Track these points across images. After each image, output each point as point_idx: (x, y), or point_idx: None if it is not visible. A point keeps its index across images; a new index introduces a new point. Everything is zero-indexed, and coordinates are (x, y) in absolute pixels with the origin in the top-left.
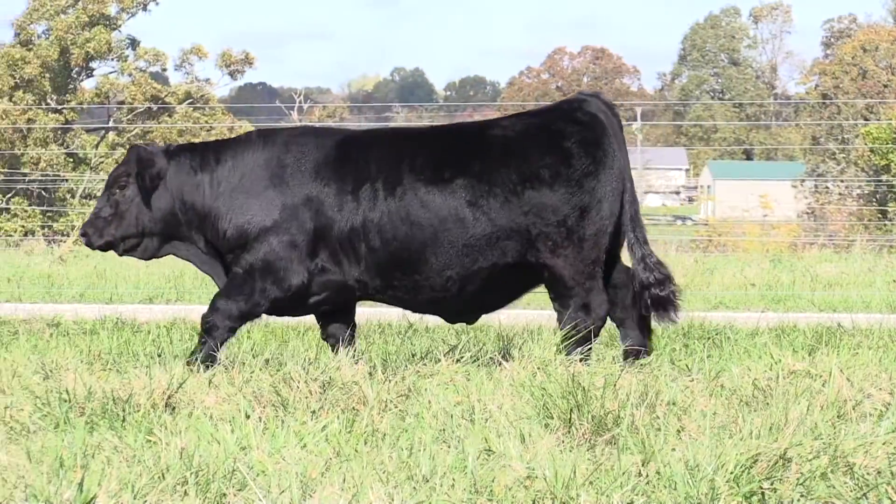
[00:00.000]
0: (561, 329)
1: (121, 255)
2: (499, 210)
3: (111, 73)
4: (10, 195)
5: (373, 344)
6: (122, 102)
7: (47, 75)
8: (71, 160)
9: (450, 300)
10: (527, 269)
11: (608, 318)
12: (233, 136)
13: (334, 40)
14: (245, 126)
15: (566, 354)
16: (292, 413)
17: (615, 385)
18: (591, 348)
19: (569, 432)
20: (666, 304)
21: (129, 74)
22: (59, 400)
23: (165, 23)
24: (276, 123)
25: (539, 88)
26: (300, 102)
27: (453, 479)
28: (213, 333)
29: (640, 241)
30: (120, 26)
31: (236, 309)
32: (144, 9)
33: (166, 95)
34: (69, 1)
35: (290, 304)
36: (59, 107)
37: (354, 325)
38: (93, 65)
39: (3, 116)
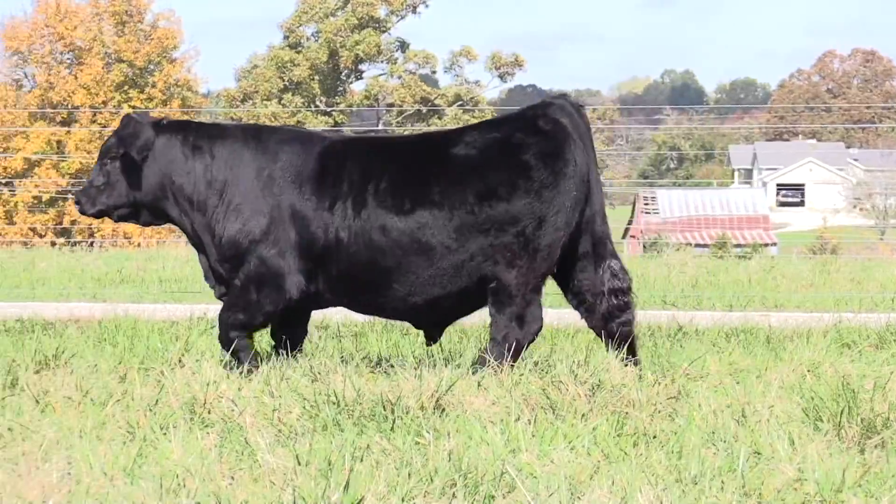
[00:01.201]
0: (491, 337)
1: (116, 221)
2: (461, 231)
3: (380, 75)
4: None
5: (642, 347)
6: (392, 105)
7: (316, 77)
8: None
9: (414, 317)
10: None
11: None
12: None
13: (606, 42)
14: None
15: (488, 361)
16: (561, 416)
17: (885, 388)
18: (517, 359)
19: (838, 435)
20: (619, 312)
21: (399, 77)
22: (328, 402)
23: (435, 25)
24: None
25: (809, 91)
26: None
27: (722, 482)
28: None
29: (605, 243)
30: (389, 29)
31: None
32: (414, 11)
33: (436, 98)
34: (338, 3)
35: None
36: (329, 109)
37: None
38: (362, 67)
39: (273, 118)
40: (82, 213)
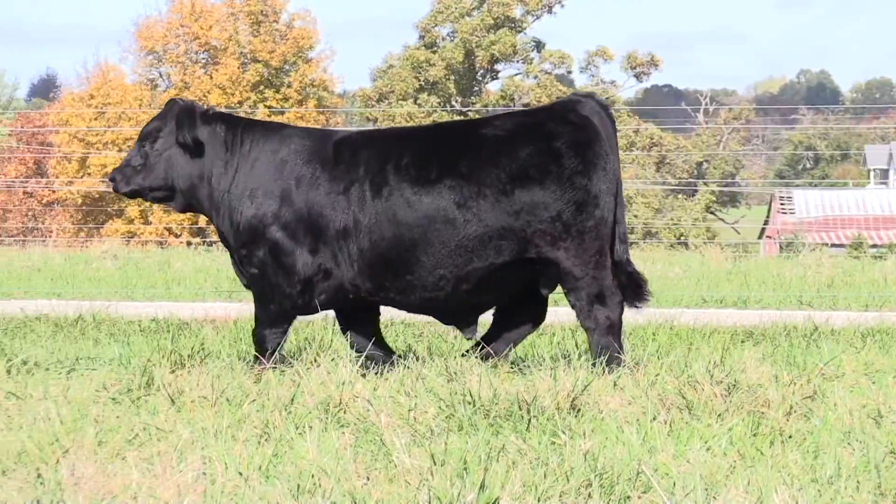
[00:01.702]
0: (584, 327)
1: (150, 202)
2: (489, 210)
3: (516, 75)
4: None
5: (778, 347)
6: (527, 105)
7: (452, 77)
8: None
9: (442, 300)
10: (522, 268)
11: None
12: (632, 137)
13: (743, 42)
14: (650, 128)
15: (601, 347)
16: (697, 416)
17: None
18: (619, 335)
19: None
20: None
21: (535, 77)
22: (464, 402)
23: (570, 25)
24: (681, 125)
25: None
26: (706, 104)
27: (858, 482)
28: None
29: (623, 242)
30: (525, 28)
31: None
32: (549, 11)
33: None
34: (474, 3)
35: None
36: (464, 108)
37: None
38: (497, 67)
39: (409, 118)
40: (116, 190)
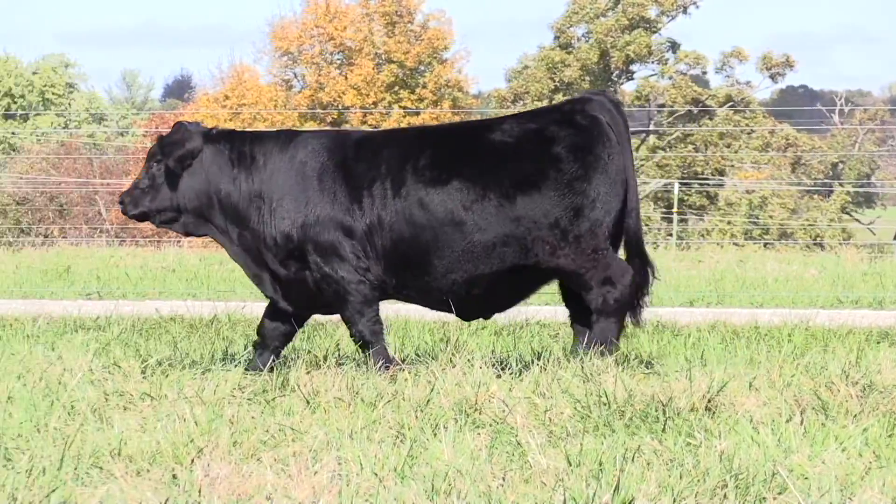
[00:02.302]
0: (592, 306)
1: (158, 226)
2: (493, 215)
3: (651, 76)
4: None
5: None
6: (663, 105)
7: (587, 78)
8: None
9: (456, 301)
10: (533, 271)
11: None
12: (767, 138)
13: (878, 43)
14: (785, 129)
15: (599, 330)
16: (832, 417)
17: None
18: (639, 310)
19: None
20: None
21: (670, 77)
22: (599, 403)
23: (705, 25)
24: (816, 126)
25: None
26: (840, 105)
27: None
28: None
29: (638, 240)
30: (660, 29)
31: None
32: (684, 11)
33: (706, 98)
34: (609, 4)
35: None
36: None
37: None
38: (632, 68)
39: None
40: (124, 213)
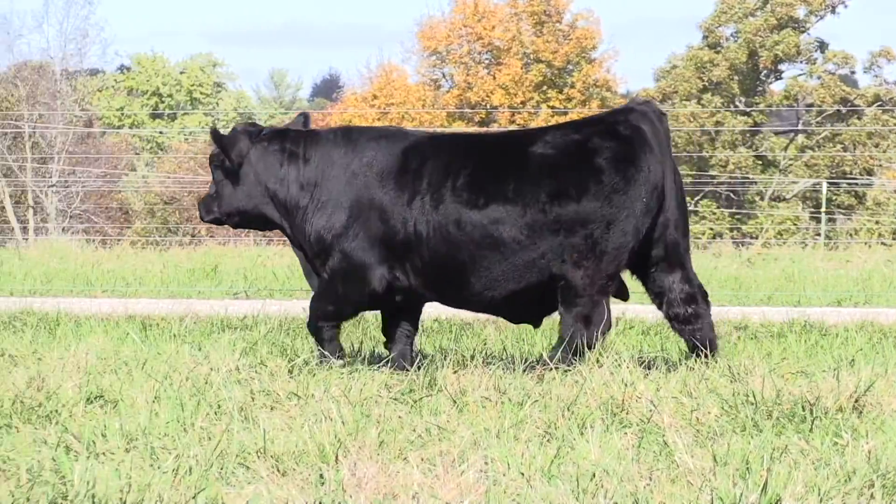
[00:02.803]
0: (560, 334)
1: (234, 227)
2: (533, 228)
3: (799, 75)
4: (698, 197)
5: None
6: (811, 105)
7: (735, 78)
8: (759, 162)
9: (498, 310)
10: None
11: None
12: None
13: None
14: None
15: (552, 358)
16: None
17: None
18: (580, 359)
19: None
20: (692, 320)
21: (818, 77)
22: (746, 403)
23: (853, 25)
24: None
25: None
26: None
27: None
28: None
29: (677, 252)
30: (808, 29)
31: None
32: (833, 11)
33: (855, 98)
34: (757, 3)
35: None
36: (748, 109)
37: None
38: (781, 67)
39: (692, 118)
40: (201, 219)
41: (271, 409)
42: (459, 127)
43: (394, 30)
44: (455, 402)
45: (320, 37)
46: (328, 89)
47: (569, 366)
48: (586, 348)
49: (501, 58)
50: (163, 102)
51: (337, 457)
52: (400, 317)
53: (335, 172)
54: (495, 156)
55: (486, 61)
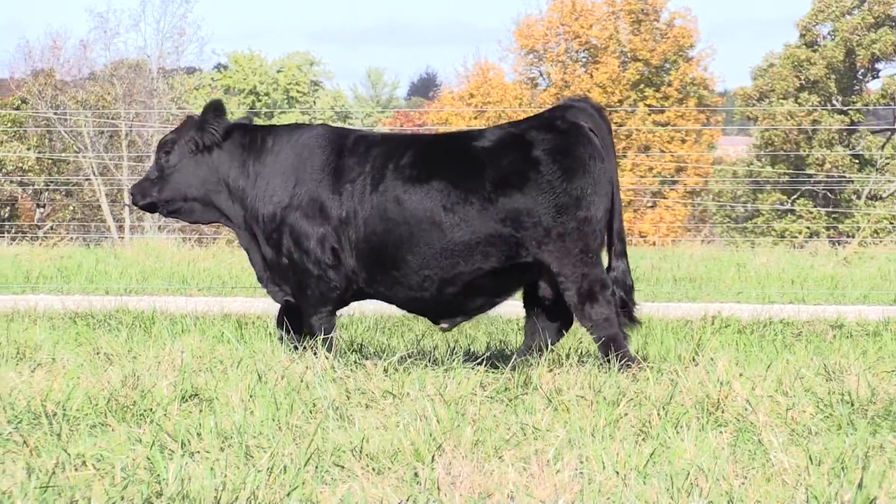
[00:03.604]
0: (580, 323)
1: (165, 216)
2: (475, 216)
3: None
4: (794, 196)
5: None
6: None
7: (832, 76)
8: (856, 161)
9: (427, 300)
10: (515, 273)
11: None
12: None
13: None
14: None
15: (604, 345)
16: None
17: None
18: (620, 331)
19: None
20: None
21: None
22: (841, 402)
23: None
24: None
25: None
26: None
27: None
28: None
29: (620, 242)
30: None
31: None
32: None
33: None
34: (854, 2)
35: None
36: (845, 108)
37: None
38: (878, 66)
39: (788, 117)
40: (134, 204)
41: (366, 407)
42: None
43: (491, 28)
44: (550, 400)
45: (418, 35)
46: (425, 88)
47: (621, 346)
48: (610, 317)
49: (598, 56)
50: (259, 101)
51: (432, 456)
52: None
53: (278, 161)
54: (440, 148)
55: (583, 60)
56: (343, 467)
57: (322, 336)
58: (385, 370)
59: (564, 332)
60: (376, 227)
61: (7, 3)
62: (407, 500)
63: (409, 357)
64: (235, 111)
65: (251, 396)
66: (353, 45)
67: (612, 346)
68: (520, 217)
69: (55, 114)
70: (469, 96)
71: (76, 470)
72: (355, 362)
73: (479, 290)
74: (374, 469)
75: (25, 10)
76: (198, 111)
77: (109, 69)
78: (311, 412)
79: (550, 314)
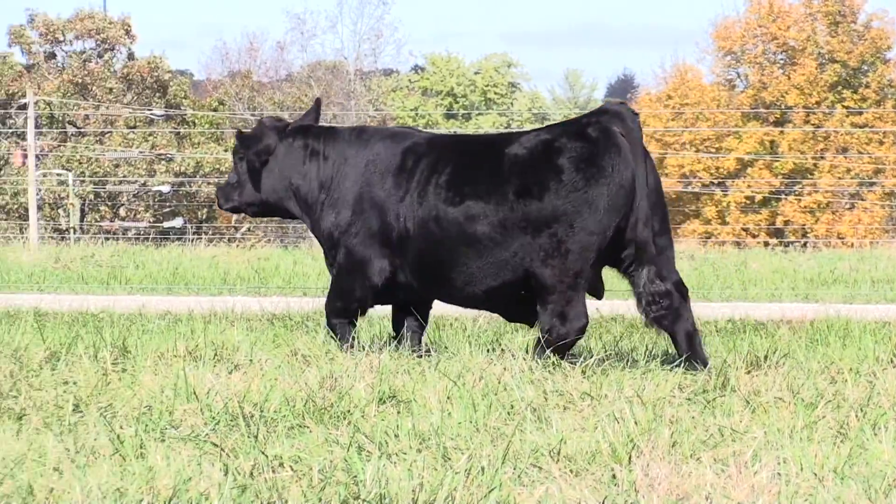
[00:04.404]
0: (539, 333)
1: (252, 217)
2: (503, 224)
3: None
4: None
5: None
6: None
7: None
8: None
9: (481, 304)
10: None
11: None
12: None
13: None
14: None
15: (538, 357)
16: None
17: None
18: (565, 355)
19: None
20: (662, 315)
21: None
22: None
23: None
24: None
25: None
26: None
27: None
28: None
29: (646, 249)
30: None
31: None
32: None
33: None
34: None
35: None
36: None
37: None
38: None
39: None
40: (219, 207)
41: (564, 409)
42: (754, 127)
43: (688, 30)
44: (748, 402)
45: (615, 37)
46: (623, 89)
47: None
48: (565, 344)
49: (796, 58)
50: (457, 103)
51: (629, 457)
52: (408, 312)
53: (346, 170)
54: (474, 155)
55: (781, 61)
56: (541, 468)
57: (339, 340)
58: (583, 372)
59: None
60: (424, 236)
61: (204, 5)
62: (604, 503)
63: (607, 359)
64: (432, 113)
65: (448, 398)
66: (550, 46)
67: (540, 349)
68: (538, 226)
69: (252, 115)
70: (667, 98)
71: (273, 471)
72: (553, 364)
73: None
74: (571, 470)
75: (222, 11)
76: (395, 113)
77: (306, 71)
78: (508, 414)
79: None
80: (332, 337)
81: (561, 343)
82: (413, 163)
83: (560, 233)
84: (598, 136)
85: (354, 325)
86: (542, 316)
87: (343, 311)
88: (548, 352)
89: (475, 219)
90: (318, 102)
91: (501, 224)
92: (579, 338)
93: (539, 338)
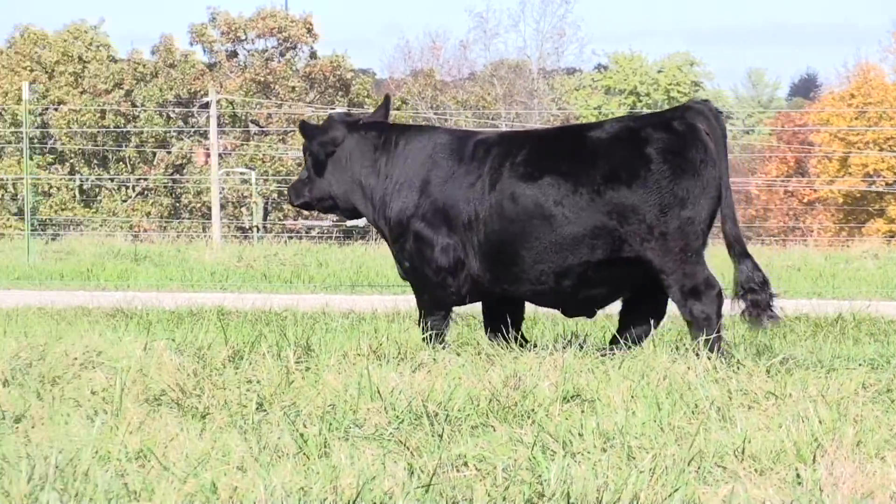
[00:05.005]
0: (685, 320)
1: (324, 212)
2: (584, 208)
3: None
4: None
5: None
6: None
7: None
8: None
9: (548, 293)
10: (626, 265)
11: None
12: None
13: None
14: None
15: (698, 340)
16: None
17: None
18: (719, 327)
19: None
20: (764, 305)
21: None
22: None
23: None
24: None
25: None
26: None
27: None
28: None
29: (737, 245)
30: None
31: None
32: None
33: None
34: None
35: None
36: None
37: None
38: None
39: None
40: (291, 204)
41: (748, 408)
42: None
43: (872, 28)
44: None
45: (798, 35)
46: (806, 88)
47: (716, 342)
48: (711, 318)
49: None
50: (640, 101)
51: (814, 456)
52: (502, 308)
53: (411, 162)
54: (556, 139)
55: None
56: (725, 468)
57: (432, 339)
58: (767, 371)
59: (654, 327)
60: (496, 226)
61: (387, 4)
62: (789, 502)
63: (791, 358)
64: (616, 111)
65: (633, 397)
66: (734, 45)
67: (709, 343)
68: (624, 212)
69: (435, 114)
70: (850, 97)
71: (457, 470)
72: (738, 363)
73: (591, 282)
74: (756, 470)
75: (404, 10)
76: (579, 111)
77: (489, 69)
78: (692, 413)
79: (645, 308)
80: (424, 336)
81: (706, 320)
82: (484, 151)
83: (650, 218)
84: (684, 130)
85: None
86: (678, 302)
87: (436, 305)
88: (702, 335)
89: (552, 201)
90: (387, 98)
91: (579, 206)
92: (721, 305)
93: (686, 325)
